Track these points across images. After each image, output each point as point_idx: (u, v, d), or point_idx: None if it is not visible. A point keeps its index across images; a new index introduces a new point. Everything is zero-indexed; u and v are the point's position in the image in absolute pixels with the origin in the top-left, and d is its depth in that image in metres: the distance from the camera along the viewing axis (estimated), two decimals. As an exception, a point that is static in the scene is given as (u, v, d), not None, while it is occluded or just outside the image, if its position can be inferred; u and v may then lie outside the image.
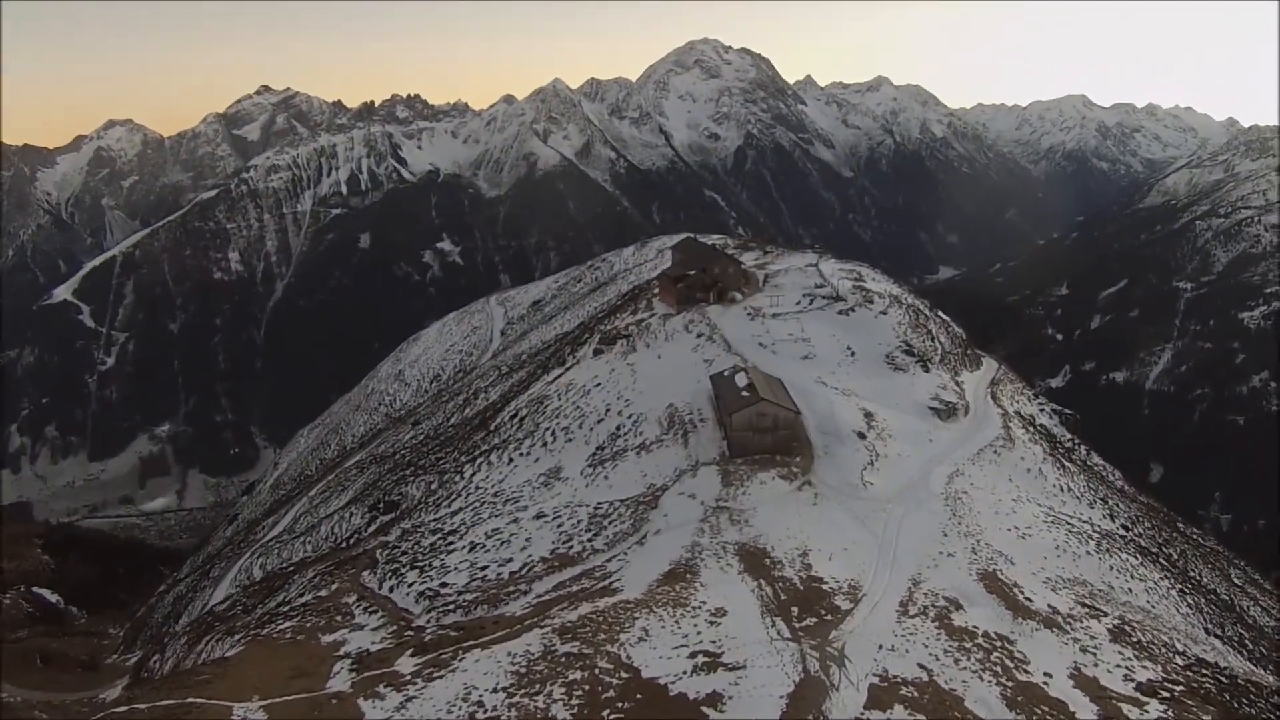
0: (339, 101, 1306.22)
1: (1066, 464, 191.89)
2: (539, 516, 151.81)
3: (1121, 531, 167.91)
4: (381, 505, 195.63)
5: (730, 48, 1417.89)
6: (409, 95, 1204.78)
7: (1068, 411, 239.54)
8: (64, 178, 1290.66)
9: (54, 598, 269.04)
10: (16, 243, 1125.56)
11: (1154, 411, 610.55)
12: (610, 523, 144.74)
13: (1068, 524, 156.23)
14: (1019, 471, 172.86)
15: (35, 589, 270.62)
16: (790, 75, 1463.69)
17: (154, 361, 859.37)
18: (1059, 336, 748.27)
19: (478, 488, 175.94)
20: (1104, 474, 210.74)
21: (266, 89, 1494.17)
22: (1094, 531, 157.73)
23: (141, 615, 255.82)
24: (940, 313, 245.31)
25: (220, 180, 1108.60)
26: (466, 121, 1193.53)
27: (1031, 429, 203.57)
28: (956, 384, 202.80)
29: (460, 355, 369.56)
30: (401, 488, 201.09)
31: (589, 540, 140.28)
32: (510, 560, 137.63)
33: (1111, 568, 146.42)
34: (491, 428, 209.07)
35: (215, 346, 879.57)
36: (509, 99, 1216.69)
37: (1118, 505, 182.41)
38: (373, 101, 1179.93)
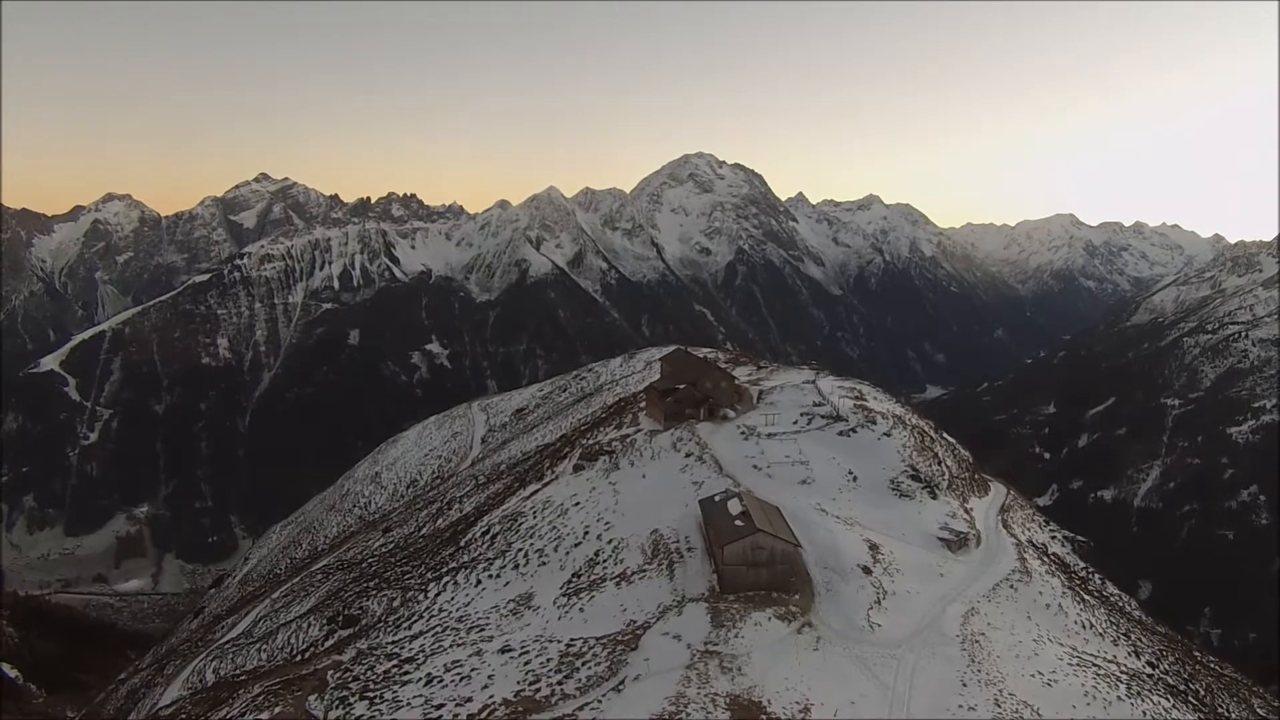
0: (336, 195, 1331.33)
1: (1086, 596, 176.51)
2: (505, 650, 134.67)
3: (1148, 670, 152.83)
4: (340, 619, 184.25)
5: (724, 162, 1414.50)
6: (405, 194, 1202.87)
7: (1080, 539, 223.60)
8: (59, 246, 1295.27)
9: (13, 673, 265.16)
10: (8, 307, 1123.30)
11: (1142, 528, 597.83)
12: (584, 664, 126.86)
13: (1094, 665, 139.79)
14: (1038, 608, 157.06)
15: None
16: (782, 191, 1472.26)
17: (137, 440, 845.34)
18: (1047, 455, 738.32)
19: (441, 610, 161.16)
20: (1121, 604, 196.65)
21: (265, 177, 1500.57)
22: (1121, 672, 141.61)
23: (99, 702, 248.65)
24: (945, 434, 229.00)
25: (214, 264, 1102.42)
26: (460, 224, 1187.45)
27: (1046, 559, 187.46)
28: (966, 512, 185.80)
29: (439, 460, 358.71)
30: (363, 601, 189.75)
31: (559, 683, 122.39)
32: (469, 700, 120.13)
33: (1145, 714, 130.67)
34: (462, 543, 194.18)
35: (199, 431, 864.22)
36: (504, 204, 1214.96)
37: (1141, 639, 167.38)
38: (369, 198, 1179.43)
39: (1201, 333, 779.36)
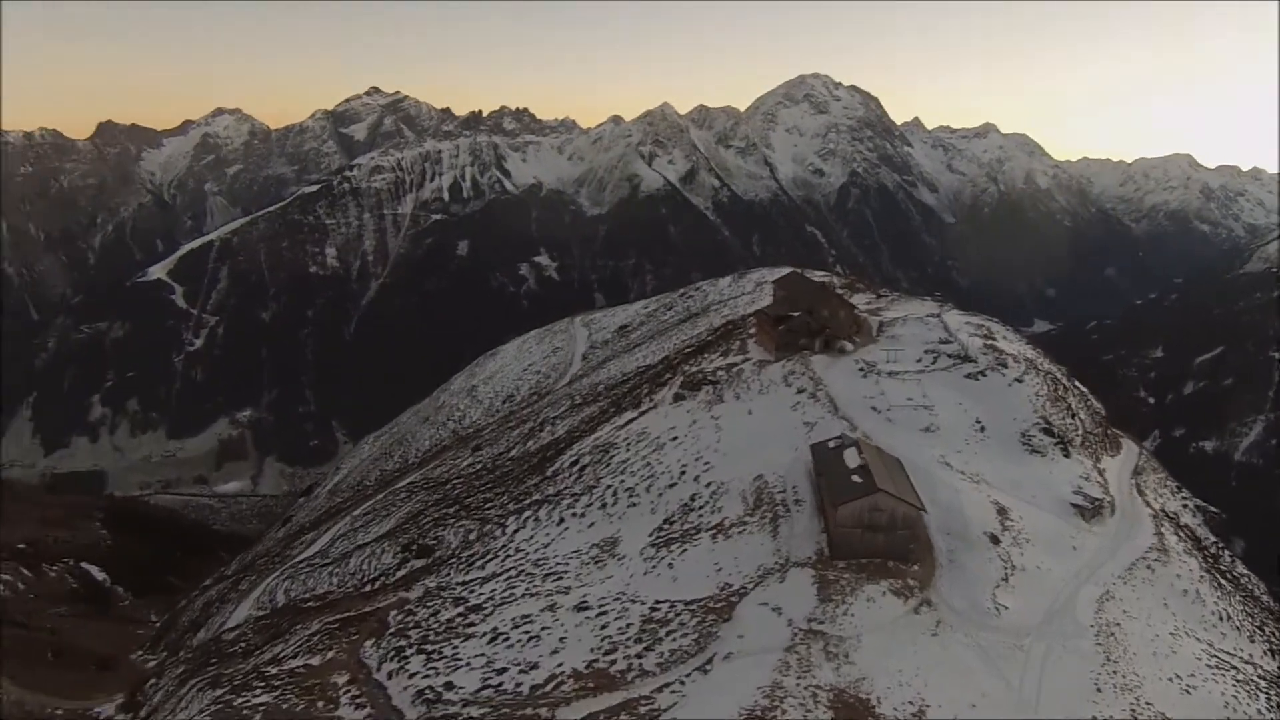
0: (447, 109, 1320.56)
1: (1222, 581, 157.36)
2: (581, 608, 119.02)
3: None
4: (415, 548, 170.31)
5: (840, 84, 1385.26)
6: (517, 108, 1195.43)
7: (1213, 509, 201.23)
8: (169, 160, 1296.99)
9: (101, 575, 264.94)
10: (117, 219, 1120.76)
11: (1241, 483, 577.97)
12: (669, 633, 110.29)
13: (1233, 668, 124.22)
14: (1175, 593, 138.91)
15: (84, 564, 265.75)
16: (898, 116, 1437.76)
17: (242, 347, 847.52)
18: (1151, 400, 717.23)
19: (518, 549, 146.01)
20: (1252, 587, 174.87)
21: (376, 90, 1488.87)
22: (1260, 677, 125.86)
23: (181, 608, 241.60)
24: (1078, 383, 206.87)
25: (324, 176, 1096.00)
26: (573, 138, 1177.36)
27: (1180, 532, 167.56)
28: (1099, 474, 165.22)
29: (537, 376, 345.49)
30: (440, 531, 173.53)
31: (638, 656, 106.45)
32: (535, 666, 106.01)
33: None
34: (548, 473, 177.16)
35: (304, 339, 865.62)
36: (616, 119, 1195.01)
37: (1276, 633, 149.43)
38: (481, 111, 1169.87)
39: None
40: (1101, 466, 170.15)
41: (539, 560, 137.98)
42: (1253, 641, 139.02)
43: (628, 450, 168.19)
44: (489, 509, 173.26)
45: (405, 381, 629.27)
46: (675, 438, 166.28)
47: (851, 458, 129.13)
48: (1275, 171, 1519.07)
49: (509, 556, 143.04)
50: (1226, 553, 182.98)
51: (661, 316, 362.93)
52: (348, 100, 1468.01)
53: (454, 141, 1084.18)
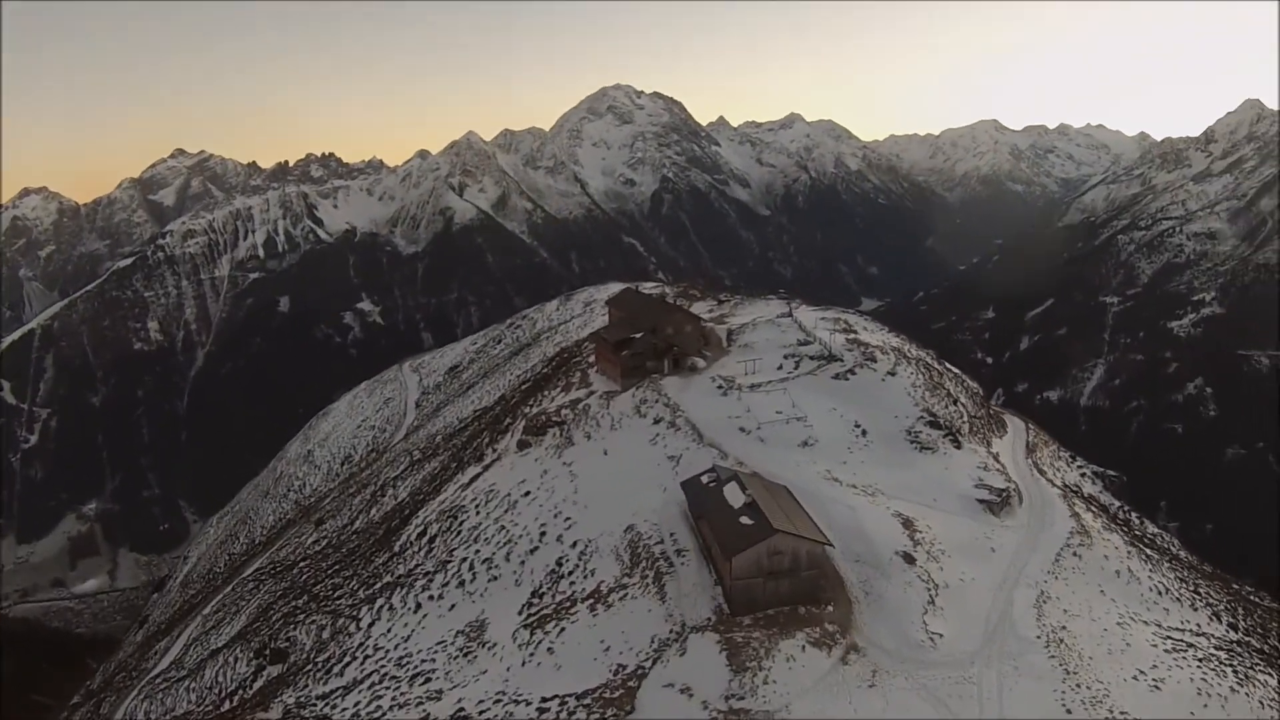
0: (254, 162, 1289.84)
1: (1148, 551, 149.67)
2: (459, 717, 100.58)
3: (1234, 636, 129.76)
4: (268, 653, 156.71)
5: (642, 92, 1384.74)
6: (323, 154, 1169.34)
7: (1111, 473, 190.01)
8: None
9: None
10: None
11: (1091, 427, 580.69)
12: None
13: (1189, 645, 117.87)
14: (1108, 577, 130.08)
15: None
16: (703, 117, 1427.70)
17: (77, 437, 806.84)
18: (989, 360, 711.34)
19: (377, 647, 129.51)
20: (1166, 544, 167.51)
21: (181, 152, 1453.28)
22: (1218, 648, 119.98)
23: None
24: (948, 364, 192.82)
25: (137, 247, 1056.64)
26: (382, 178, 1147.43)
27: (1091, 506, 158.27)
28: (996, 460, 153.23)
29: (373, 431, 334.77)
30: (291, 630, 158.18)
31: None
32: None
33: (1261, 702, 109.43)
34: (395, 548, 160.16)
35: (139, 419, 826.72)
36: (423, 154, 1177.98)
37: (1209, 592, 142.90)
38: (287, 161, 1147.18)
39: (1135, 229, 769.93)
40: (994, 451, 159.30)
41: (402, 659, 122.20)
42: (1195, 609, 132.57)
43: (477, 513, 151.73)
44: (339, 598, 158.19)
45: (244, 449, 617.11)
46: (527, 492, 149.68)
47: (734, 494, 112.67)
48: (1080, 126, 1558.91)
49: (368, 657, 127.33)
50: (1133, 515, 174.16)
51: (491, 351, 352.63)
52: (153, 165, 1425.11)
53: (263, 196, 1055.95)
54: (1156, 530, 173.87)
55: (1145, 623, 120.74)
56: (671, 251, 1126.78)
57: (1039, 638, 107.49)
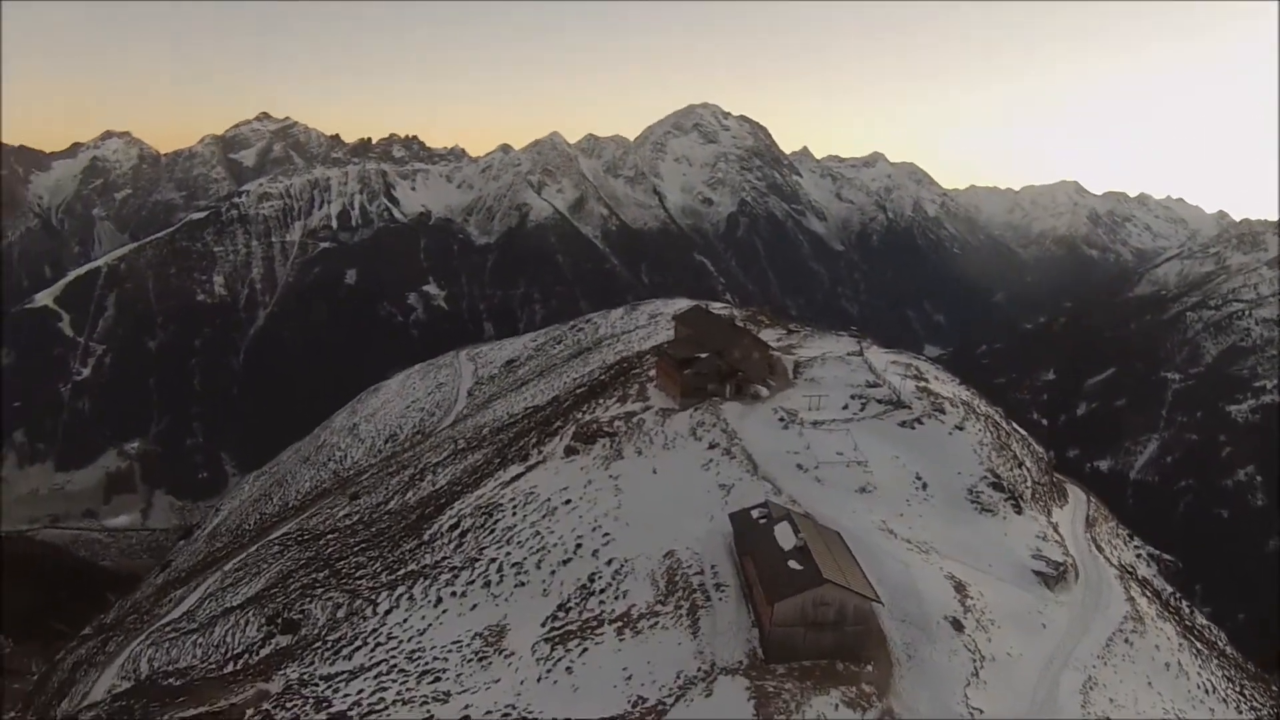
0: (337, 135, 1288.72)
1: (1199, 645, 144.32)
2: None
3: None
4: (280, 622, 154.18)
5: (729, 114, 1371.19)
6: (407, 136, 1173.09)
7: (1168, 558, 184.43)
8: (57, 183, 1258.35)
9: None
10: (4, 244, 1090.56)
11: (1138, 501, 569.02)
12: None
13: None
14: (1158, 669, 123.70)
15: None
16: (787, 146, 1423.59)
17: (130, 377, 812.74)
18: (1044, 422, 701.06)
19: (390, 635, 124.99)
20: (1214, 638, 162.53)
21: (266, 116, 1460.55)
22: None
23: (58, 661, 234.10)
24: (1016, 425, 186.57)
25: (212, 202, 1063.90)
26: (462, 167, 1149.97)
27: (1145, 590, 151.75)
28: (1055, 531, 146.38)
29: (421, 414, 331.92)
30: (307, 603, 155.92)
31: None
32: None
33: None
34: (425, 536, 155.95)
35: (192, 368, 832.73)
36: (506, 148, 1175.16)
37: (1255, 695, 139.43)
38: (370, 139, 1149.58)
39: (1204, 308, 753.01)
40: (1054, 521, 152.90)
41: (414, 652, 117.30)
42: (1240, 711, 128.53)
43: (514, 514, 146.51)
44: (360, 578, 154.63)
45: (293, 413, 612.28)
46: (568, 500, 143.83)
47: (785, 536, 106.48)
48: (1161, 198, 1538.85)
49: (380, 645, 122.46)
50: (1185, 603, 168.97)
51: (550, 351, 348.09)
52: (237, 126, 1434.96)
53: (343, 169, 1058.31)
54: (1205, 622, 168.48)
55: None
56: (741, 275, 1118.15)
57: None
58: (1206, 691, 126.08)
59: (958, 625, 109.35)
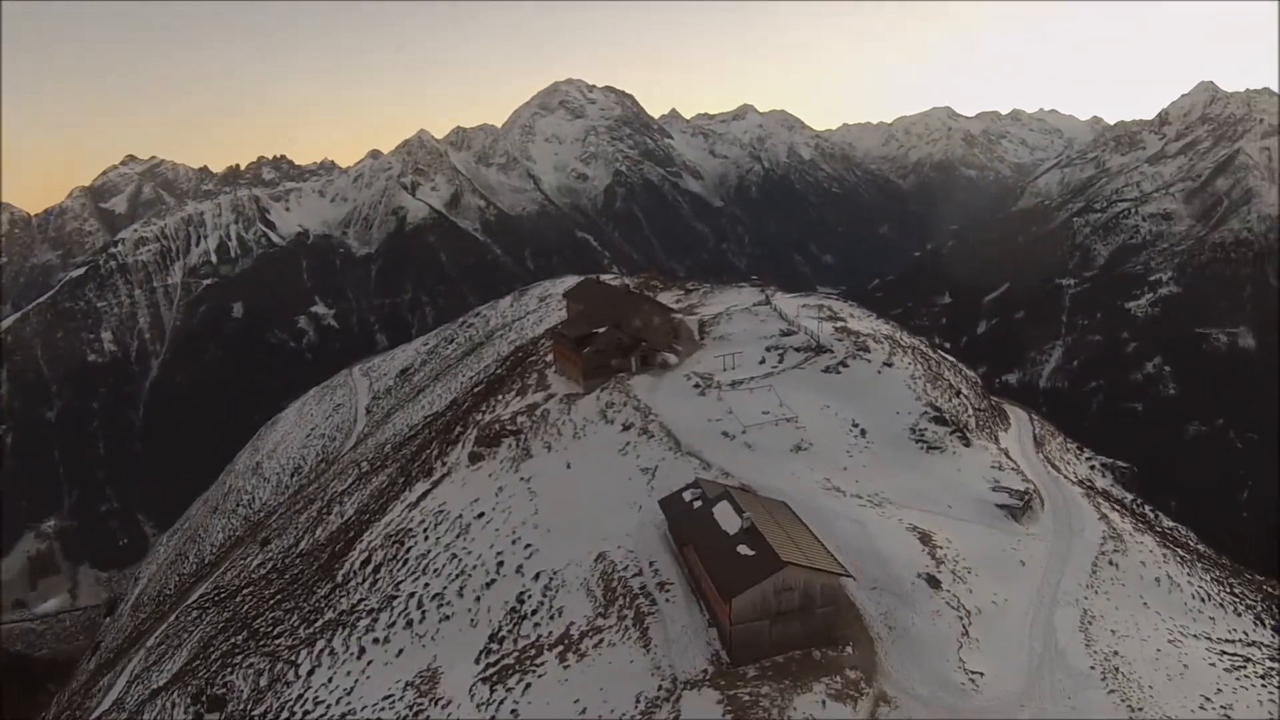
0: (205, 167, 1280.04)
1: (1181, 552, 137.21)
2: None
3: None
4: (205, 700, 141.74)
5: (594, 86, 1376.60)
6: (275, 157, 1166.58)
7: (1123, 465, 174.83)
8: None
9: None
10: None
11: (1051, 409, 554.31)
12: None
13: (1246, 660, 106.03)
14: (1148, 586, 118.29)
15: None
16: (655, 110, 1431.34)
17: (34, 453, 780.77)
18: (947, 345, 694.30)
19: (317, 700, 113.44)
20: (1184, 539, 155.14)
21: (132, 158, 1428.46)
22: (1273, 659, 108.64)
23: None
24: (941, 350, 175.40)
25: (89, 257, 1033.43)
26: (334, 180, 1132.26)
27: (1109, 502, 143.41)
28: (1008, 457, 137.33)
29: (322, 440, 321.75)
30: (228, 674, 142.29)
31: None
32: None
33: None
34: (338, 578, 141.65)
35: (94, 432, 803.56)
36: (375, 154, 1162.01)
37: (1244, 592, 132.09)
38: (238, 165, 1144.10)
39: (1090, 212, 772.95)
40: (1003, 447, 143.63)
41: (344, 716, 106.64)
42: (1239, 615, 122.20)
43: (426, 538, 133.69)
44: (279, 636, 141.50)
45: (200, 460, 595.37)
46: (481, 514, 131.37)
47: (727, 517, 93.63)
48: (1034, 111, 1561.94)
49: (308, 714, 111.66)
50: (1148, 508, 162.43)
51: (443, 352, 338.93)
52: (104, 173, 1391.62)
53: (215, 200, 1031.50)
54: (1172, 524, 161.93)
55: (1196, 636, 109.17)
56: (625, 245, 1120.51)
57: (1093, 668, 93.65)
58: (1202, 600, 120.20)
59: (933, 582, 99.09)
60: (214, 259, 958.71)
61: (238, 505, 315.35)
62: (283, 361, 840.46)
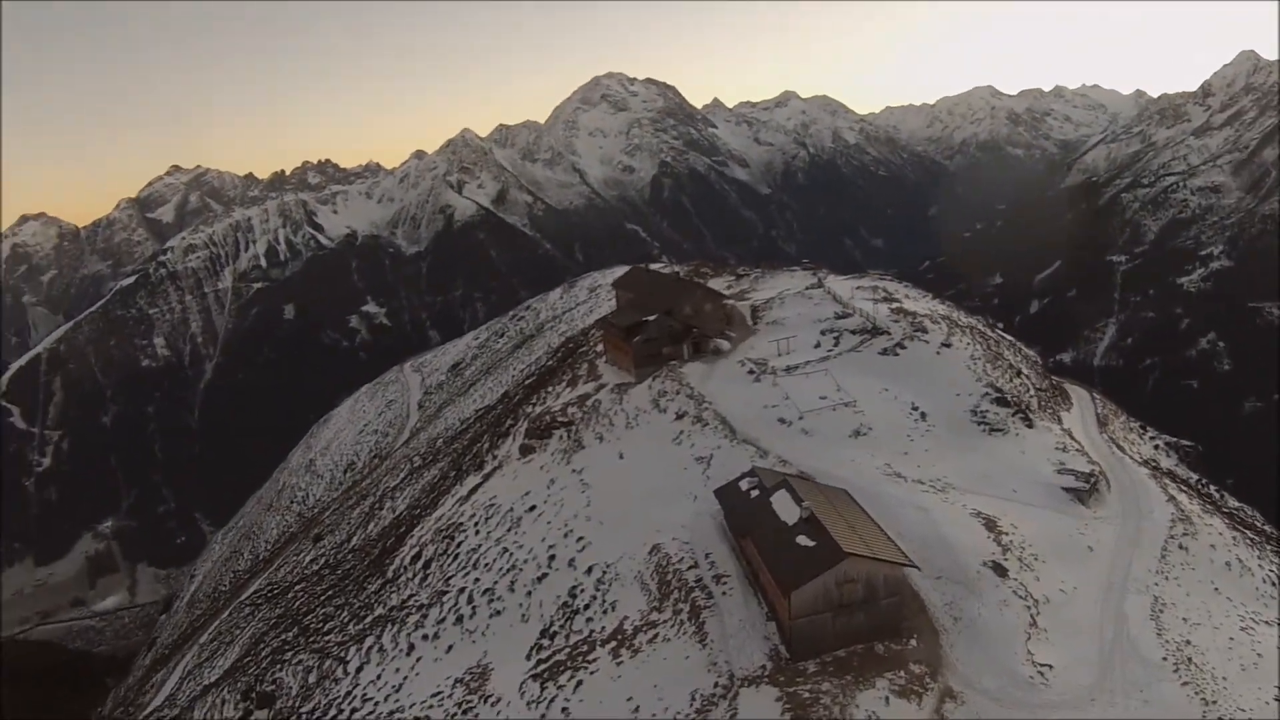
0: (250, 174, 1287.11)
1: (1250, 534, 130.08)
2: None
3: None
4: (254, 696, 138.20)
5: (635, 79, 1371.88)
6: (320, 161, 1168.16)
7: (1187, 444, 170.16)
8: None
9: None
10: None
11: (1107, 387, 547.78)
12: None
13: None
14: (1219, 570, 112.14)
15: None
16: (697, 101, 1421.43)
17: (90, 457, 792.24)
18: (1000, 325, 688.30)
19: (365, 698, 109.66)
20: (1251, 519, 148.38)
21: (177, 169, 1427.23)
22: None
23: None
24: (1000, 329, 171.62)
25: (139, 266, 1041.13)
26: (379, 181, 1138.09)
27: (1176, 483, 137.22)
28: (1072, 438, 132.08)
29: (375, 436, 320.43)
30: (277, 671, 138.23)
31: None
32: None
33: None
34: (389, 574, 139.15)
35: (151, 435, 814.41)
36: (420, 154, 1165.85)
37: None
38: (284, 171, 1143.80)
39: (1139, 187, 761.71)
40: (1066, 428, 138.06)
41: (393, 714, 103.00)
42: None
43: (476, 532, 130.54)
44: (328, 633, 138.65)
45: (256, 459, 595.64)
46: (532, 507, 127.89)
47: (786, 506, 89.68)
48: (1076, 87, 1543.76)
49: (355, 710, 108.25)
50: (1213, 489, 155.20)
51: (494, 346, 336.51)
52: (150, 184, 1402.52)
53: (262, 206, 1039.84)
54: (1238, 504, 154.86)
55: (1269, 624, 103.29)
56: (675, 235, 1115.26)
57: (1165, 659, 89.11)
58: (1274, 585, 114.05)
59: (1000, 570, 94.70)
60: (263, 263, 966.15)
61: (291, 502, 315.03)
62: (336, 361, 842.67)
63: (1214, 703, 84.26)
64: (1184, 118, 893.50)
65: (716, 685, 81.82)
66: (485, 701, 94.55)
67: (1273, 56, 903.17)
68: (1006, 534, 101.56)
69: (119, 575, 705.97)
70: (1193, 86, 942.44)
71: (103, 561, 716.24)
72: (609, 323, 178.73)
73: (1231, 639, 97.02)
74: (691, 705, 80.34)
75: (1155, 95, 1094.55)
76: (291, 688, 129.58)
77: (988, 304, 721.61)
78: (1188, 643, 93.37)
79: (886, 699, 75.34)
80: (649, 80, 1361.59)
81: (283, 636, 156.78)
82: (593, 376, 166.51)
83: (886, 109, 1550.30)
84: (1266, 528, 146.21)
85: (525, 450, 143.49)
